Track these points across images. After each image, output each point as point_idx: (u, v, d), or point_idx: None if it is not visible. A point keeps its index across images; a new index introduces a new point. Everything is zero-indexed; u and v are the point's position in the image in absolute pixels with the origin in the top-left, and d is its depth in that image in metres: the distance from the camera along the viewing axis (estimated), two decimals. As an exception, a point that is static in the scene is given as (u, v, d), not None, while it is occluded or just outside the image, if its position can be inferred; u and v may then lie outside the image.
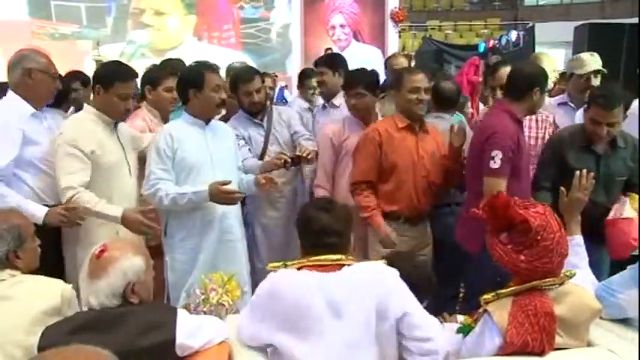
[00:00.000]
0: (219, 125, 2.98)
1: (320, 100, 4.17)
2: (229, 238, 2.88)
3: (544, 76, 2.85)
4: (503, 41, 11.46)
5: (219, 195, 2.66)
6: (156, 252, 1.95)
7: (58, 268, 2.66)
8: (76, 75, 4.01)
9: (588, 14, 13.59)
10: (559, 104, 3.68)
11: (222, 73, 4.11)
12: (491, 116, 2.94)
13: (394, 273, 1.85)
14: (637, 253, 2.54)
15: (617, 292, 1.99)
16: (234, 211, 2.90)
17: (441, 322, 2.16)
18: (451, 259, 3.09)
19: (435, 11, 16.58)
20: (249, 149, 3.31)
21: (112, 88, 2.64)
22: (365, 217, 2.98)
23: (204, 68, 2.79)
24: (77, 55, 10.28)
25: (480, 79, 7.07)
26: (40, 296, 1.88)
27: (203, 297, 2.13)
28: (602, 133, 2.78)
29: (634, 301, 1.96)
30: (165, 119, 3.22)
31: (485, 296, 1.86)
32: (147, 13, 11.11)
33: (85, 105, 2.68)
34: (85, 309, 1.82)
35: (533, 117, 3.22)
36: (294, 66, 10.97)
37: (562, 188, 2.29)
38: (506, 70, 3.24)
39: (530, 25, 11.65)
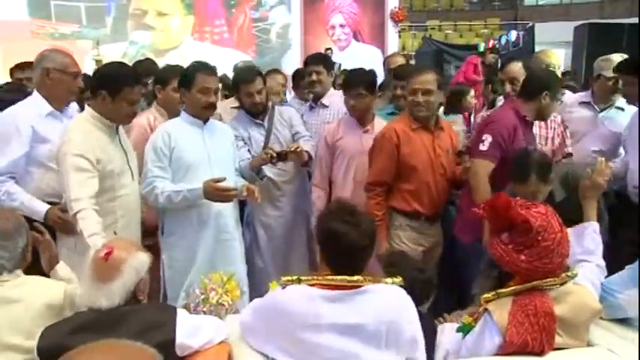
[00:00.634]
0: (217, 125, 2.98)
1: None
2: (225, 237, 2.87)
3: (556, 82, 2.92)
4: (503, 41, 11.47)
5: (214, 192, 2.65)
6: (151, 251, 1.95)
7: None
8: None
9: (588, 14, 13.58)
10: (581, 103, 3.62)
11: (221, 72, 4.12)
12: (497, 110, 3.06)
13: (412, 306, 1.78)
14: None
15: (617, 292, 1.99)
16: (229, 210, 2.89)
17: (441, 323, 2.17)
18: (453, 257, 3.11)
19: (435, 11, 16.56)
20: (249, 149, 3.31)
21: (119, 94, 2.53)
22: None
23: (198, 69, 2.79)
24: (77, 55, 10.07)
25: (480, 78, 7.11)
26: (43, 297, 1.87)
27: (203, 297, 2.13)
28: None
29: (634, 301, 1.96)
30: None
31: (486, 295, 1.86)
32: (150, 14, 11.13)
33: (87, 107, 2.61)
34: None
35: None
36: (294, 66, 10.97)
37: (588, 170, 2.30)
38: (516, 65, 3.34)
39: (530, 25, 11.66)
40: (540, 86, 2.83)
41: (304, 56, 11.02)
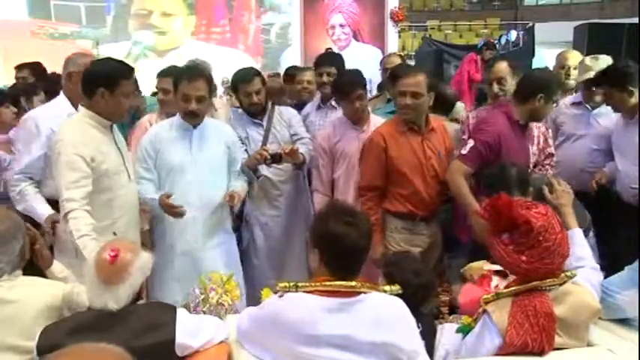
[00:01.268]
0: (213, 128, 2.92)
1: (314, 100, 3.94)
2: (190, 249, 2.82)
3: (552, 85, 2.91)
4: (503, 41, 11.45)
5: (164, 207, 2.65)
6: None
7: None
8: None
9: (588, 14, 13.58)
10: (573, 104, 3.65)
11: (223, 72, 4.11)
12: (490, 113, 3.05)
13: (410, 317, 1.76)
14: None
15: (616, 293, 1.99)
16: (199, 222, 2.82)
17: (441, 323, 2.16)
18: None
19: (435, 11, 16.56)
20: (246, 149, 3.31)
21: (118, 88, 2.49)
22: None
23: (180, 76, 2.78)
24: (77, 54, 10.26)
25: (480, 76, 7.08)
26: (42, 298, 1.87)
27: (202, 297, 2.13)
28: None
29: (633, 302, 1.96)
30: None
31: (485, 296, 1.86)
32: (152, 14, 11.13)
33: (81, 107, 2.57)
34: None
35: None
36: (293, 66, 10.96)
37: (552, 180, 2.31)
38: (502, 64, 3.30)
39: (530, 25, 11.62)
40: (535, 89, 2.84)
41: (304, 56, 11.04)
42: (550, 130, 3.43)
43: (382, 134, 2.93)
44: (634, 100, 3.06)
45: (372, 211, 2.91)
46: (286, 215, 3.46)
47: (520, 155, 2.90)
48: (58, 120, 2.66)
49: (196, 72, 2.79)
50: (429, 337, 2.04)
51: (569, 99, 3.73)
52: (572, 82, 3.90)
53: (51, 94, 3.50)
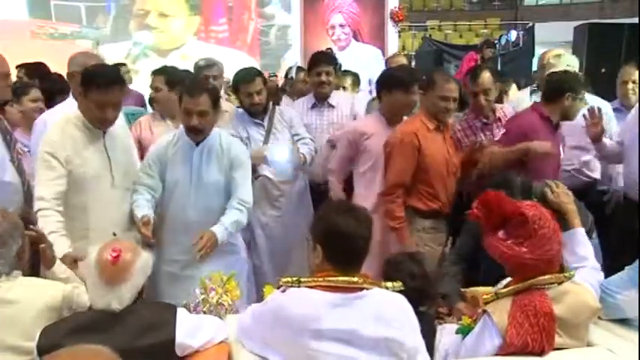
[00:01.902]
0: (216, 146, 2.72)
1: (309, 99, 3.84)
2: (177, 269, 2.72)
3: (577, 83, 3.00)
4: (503, 41, 11.44)
5: (139, 229, 2.54)
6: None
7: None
8: None
9: (588, 14, 13.56)
10: None
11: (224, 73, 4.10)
12: (522, 112, 3.17)
13: (412, 313, 1.77)
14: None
15: (616, 293, 2.00)
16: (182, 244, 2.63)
17: (441, 324, 2.16)
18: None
19: (435, 11, 16.54)
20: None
21: (89, 94, 2.44)
22: (394, 227, 2.99)
23: (184, 86, 2.76)
24: (77, 54, 10.27)
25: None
26: (42, 298, 1.87)
27: (202, 297, 2.13)
28: None
29: (633, 302, 1.96)
30: None
31: (485, 296, 1.86)
32: (153, 14, 11.12)
33: (75, 108, 2.56)
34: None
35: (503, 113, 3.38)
36: (293, 66, 10.97)
37: (550, 183, 2.33)
38: (486, 75, 3.24)
39: (530, 25, 11.61)
40: (563, 88, 2.94)
41: (304, 56, 11.04)
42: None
43: (415, 133, 2.98)
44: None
45: (400, 209, 2.99)
46: (287, 215, 3.45)
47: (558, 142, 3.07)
48: None
49: (199, 87, 2.68)
50: (429, 337, 2.04)
51: None
52: None
53: (53, 95, 3.51)
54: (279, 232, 3.47)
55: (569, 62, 3.59)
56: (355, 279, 1.69)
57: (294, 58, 11.15)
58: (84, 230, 2.48)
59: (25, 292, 1.86)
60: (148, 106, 5.20)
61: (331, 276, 1.70)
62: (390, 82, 3.21)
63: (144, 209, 2.58)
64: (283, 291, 1.74)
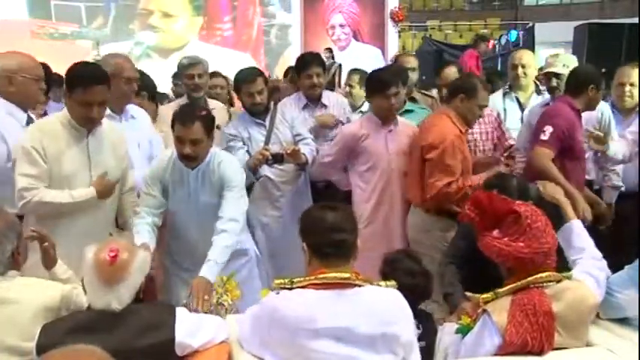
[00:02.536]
0: (211, 172, 2.63)
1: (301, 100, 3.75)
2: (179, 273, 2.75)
3: (598, 76, 3.16)
4: (503, 41, 11.44)
5: None
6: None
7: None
8: None
9: (588, 14, 13.56)
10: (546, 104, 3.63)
11: (226, 74, 4.10)
12: (553, 105, 3.24)
13: (408, 309, 1.77)
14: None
15: (616, 292, 1.99)
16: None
17: (441, 324, 2.16)
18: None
19: (435, 11, 16.54)
20: (248, 150, 3.31)
21: (73, 93, 2.41)
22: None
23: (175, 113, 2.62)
24: (77, 54, 10.24)
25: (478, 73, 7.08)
26: (40, 298, 1.87)
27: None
28: None
29: (633, 301, 1.96)
30: None
31: (484, 296, 1.86)
32: (155, 14, 11.13)
33: (64, 108, 2.52)
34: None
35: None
36: (293, 66, 10.95)
37: (539, 182, 2.39)
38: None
39: (530, 25, 11.62)
40: (586, 81, 3.07)
41: (304, 56, 11.04)
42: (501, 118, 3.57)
43: (456, 134, 3.00)
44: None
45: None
46: (288, 216, 3.44)
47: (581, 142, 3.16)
48: None
49: (191, 115, 2.53)
50: (429, 337, 2.05)
51: (540, 101, 3.70)
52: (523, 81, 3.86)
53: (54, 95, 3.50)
54: (279, 232, 3.45)
55: (566, 61, 3.57)
56: (347, 275, 1.70)
57: (294, 57, 11.17)
58: (54, 230, 2.36)
59: (23, 292, 1.86)
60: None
61: (322, 273, 1.70)
62: (369, 85, 3.30)
63: (144, 236, 2.52)
64: (277, 293, 1.74)
